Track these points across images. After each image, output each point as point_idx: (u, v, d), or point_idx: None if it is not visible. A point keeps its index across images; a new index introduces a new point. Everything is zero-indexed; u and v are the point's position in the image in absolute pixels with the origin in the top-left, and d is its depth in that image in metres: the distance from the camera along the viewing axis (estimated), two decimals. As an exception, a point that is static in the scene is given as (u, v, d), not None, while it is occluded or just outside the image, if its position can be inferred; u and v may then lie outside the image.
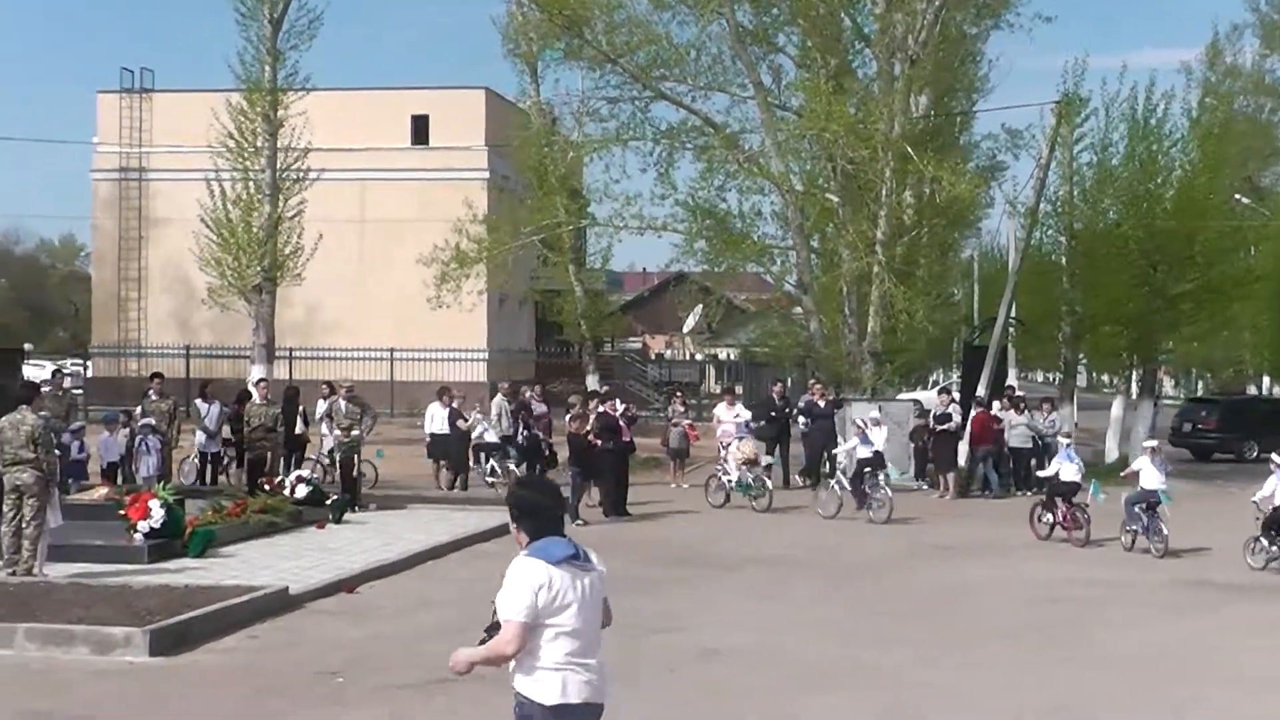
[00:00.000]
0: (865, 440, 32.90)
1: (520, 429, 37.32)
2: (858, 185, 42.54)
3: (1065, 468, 28.98)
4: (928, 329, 43.28)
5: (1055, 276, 48.40)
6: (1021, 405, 40.07)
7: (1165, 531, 27.07)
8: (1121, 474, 30.91)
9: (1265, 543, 25.70)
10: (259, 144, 43.25)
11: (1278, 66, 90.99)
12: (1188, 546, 27.56)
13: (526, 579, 8.55)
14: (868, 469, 32.66)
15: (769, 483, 34.45)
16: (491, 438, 36.76)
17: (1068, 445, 29.99)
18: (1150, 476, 27.55)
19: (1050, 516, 29.11)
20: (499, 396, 38.45)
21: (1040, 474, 31.62)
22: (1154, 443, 29.96)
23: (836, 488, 33.24)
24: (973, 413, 39.54)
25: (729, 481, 34.43)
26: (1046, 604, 21.87)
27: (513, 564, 8.64)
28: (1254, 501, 26.42)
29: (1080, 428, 50.36)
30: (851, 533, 30.28)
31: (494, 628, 8.70)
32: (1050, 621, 20.39)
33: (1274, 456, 26.41)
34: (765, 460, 35.71)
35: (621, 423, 33.44)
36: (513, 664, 8.62)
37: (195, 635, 17.35)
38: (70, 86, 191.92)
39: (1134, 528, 27.62)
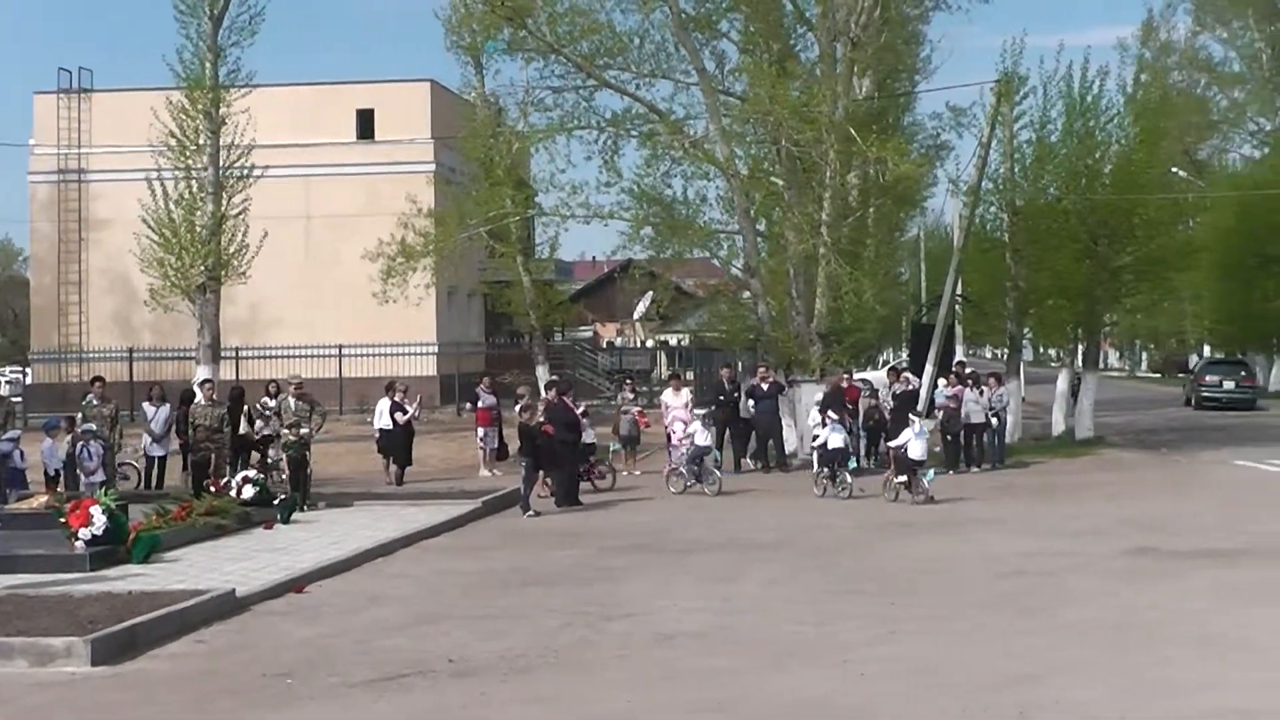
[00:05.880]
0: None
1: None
2: (803, 168, 42.45)
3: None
4: (875, 309, 43.29)
5: (999, 253, 48.80)
6: (976, 382, 40.09)
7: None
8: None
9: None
10: (201, 142, 42.88)
11: (1209, 42, 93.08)
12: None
13: None
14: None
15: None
16: None
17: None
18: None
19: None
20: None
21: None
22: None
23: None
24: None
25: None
26: (1013, 576, 21.72)
27: None
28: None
29: (1028, 401, 50.61)
30: (808, 513, 30.17)
31: None
32: (1012, 593, 20.25)
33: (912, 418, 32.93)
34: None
35: (584, 421, 33.59)
36: None
37: (140, 642, 17.02)
38: (5, 87, 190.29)
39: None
